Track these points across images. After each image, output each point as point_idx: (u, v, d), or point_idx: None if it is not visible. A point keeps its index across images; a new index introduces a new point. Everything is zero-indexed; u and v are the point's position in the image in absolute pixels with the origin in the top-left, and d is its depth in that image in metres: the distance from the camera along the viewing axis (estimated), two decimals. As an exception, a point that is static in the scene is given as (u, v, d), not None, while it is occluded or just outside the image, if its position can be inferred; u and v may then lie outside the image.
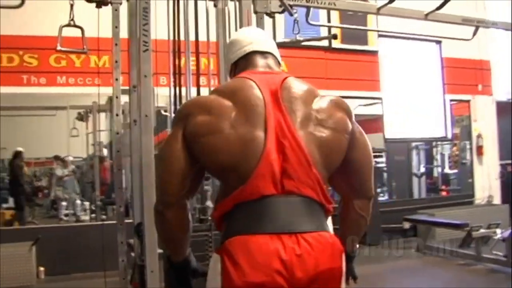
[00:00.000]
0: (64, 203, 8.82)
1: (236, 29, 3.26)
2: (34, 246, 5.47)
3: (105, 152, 8.26)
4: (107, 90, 3.50)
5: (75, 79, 5.85)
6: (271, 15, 3.45)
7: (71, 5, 3.04)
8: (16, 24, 5.29)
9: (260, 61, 1.78)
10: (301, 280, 1.48)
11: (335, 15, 6.88)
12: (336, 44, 7.10)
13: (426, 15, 4.20)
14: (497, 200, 8.32)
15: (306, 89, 1.69)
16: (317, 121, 1.62)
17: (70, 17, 3.04)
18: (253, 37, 1.86)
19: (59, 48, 3.08)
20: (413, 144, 8.92)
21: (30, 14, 4.76)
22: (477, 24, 4.54)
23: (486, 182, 8.26)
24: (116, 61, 3.02)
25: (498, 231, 5.48)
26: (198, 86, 3.28)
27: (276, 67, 1.80)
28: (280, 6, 3.49)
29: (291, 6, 3.47)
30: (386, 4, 3.99)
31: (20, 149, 8.14)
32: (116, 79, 3.02)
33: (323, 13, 6.75)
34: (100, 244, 3.23)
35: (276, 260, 1.47)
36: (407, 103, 7.54)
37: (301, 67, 6.79)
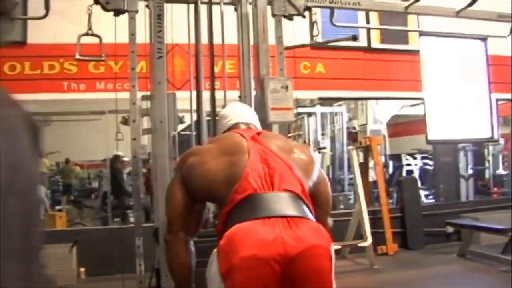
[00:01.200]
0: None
1: (254, 32, 3.27)
2: (75, 247, 5.64)
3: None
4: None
5: (113, 85, 5.99)
6: (290, 17, 3.43)
7: (89, 15, 3.11)
8: (56, 32, 5.49)
9: (243, 126, 2.25)
10: (290, 253, 1.64)
11: (374, 15, 6.77)
12: (375, 44, 6.98)
13: (458, 12, 4.06)
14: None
15: (280, 135, 2.44)
16: (291, 150, 2.05)
17: (88, 26, 3.11)
18: (238, 112, 2.35)
19: (77, 56, 3.16)
20: (460, 145, 8.62)
21: (69, 22, 4.94)
22: (514, 20, 4.34)
23: (536, 185, 7.87)
24: (133, 68, 3.07)
25: (543, 236, 5.21)
26: (213, 89, 3.28)
27: (253, 125, 2.30)
28: (300, 8, 3.47)
29: (309, 8, 3.43)
30: (413, 3, 3.89)
31: (119, 153, 8.40)
32: (133, 86, 3.07)
33: (361, 14, 6.67)
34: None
35: (267, 235, 1.66)
36: (452, 103, 7.28)
37: (339, 69, 6.72)
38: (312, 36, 5.87)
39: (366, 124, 9.87)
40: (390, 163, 10.94)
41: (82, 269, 5.81)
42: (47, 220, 8.30)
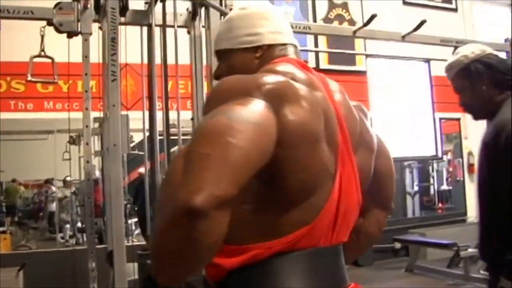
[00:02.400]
0: (67, 226, 8.87)
1: (207, 54, 3.31)
2: (22, 272, 5.46)
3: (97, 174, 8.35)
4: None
5: (62, 104, 5.90)
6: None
7: (42, 36, 3.08)
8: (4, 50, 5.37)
9: (296, 56, 1.34)
10: None
11: (322, 38, 6.96)
12: (323, 65, 7.17)
13: (403, 36, 4.24)
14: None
15: (344, 92, 1.31)
16: (360, 140, 1.27)
17: (41, 47, 3.08)
18: (288, 26, 1.39)
19: (29, 78, 3.12)
20: (406, 162, 8.91)
21: (18, 40, 4.85)
22: (456, 45, 4.55)
23: (478, 200, 8.17)
24: (86, 91, 3.06)
25: (486, 250, 5.42)
26: (166, 109, 3.30)
27: None
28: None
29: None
30: (361, 27, 4.03)
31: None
32: (86, 108, 3.05)
33: (310, 38, 6.86)
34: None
35: None
36: (397, 122, 7.54)
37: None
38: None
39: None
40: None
41: (29, 295, 5.63)
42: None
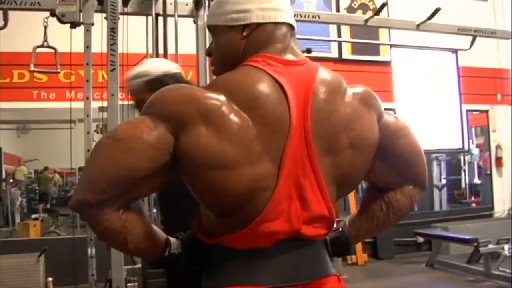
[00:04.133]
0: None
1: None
2: (43, 257, 5.61)
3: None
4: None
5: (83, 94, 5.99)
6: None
7: (45, 27, 3.13)
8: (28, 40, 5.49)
9: (287, 41, 1.24)
10: None
11: (345, 29, 6.86)
12: (346, 55, 7.06)
13: (418, 25, 4.14)
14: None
15: (336, 88, 1.23)
16: (345, 140, 1.21)
17: (44, 38, 3.13)
18: (283, 1, 1.27)
19: (32, 68, 3.18)
20: (433, 155, 8.70)
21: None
22: (474, 34, 4.43)
23: (506, 195, 7.96)
24: (88, 80, 3.09)
25: (506, 247, 5.27)
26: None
27: (298, 50, 1.27)
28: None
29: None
30: (372, 16, 3.95)
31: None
32: (87, 98, 3.09)
33: (333, 28, 6.78)
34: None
35: None
36: (423, 114, 7.37)
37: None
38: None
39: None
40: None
41: (50, 279, 5.77)
42: (21, 229, 8.28)
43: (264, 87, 1.15)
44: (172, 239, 1.30)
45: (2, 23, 3.45)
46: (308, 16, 3.80)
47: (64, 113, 7.35)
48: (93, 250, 3.05)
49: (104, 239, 1.21)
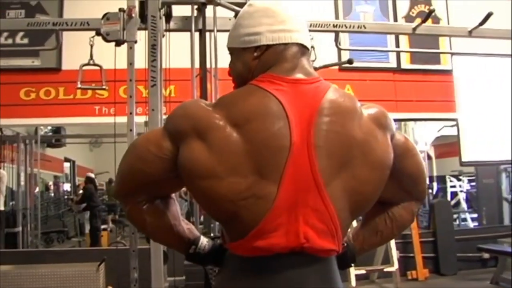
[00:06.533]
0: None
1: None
2: (103, 266, 5.81)
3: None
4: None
5: (142, 109, 6.19)
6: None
7: (91, 46, 3.27)
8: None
9: (296, 60, 1.31)
10: None
11: (404, 38, 6.70)
12: (405, 65, 6.88)
13: (470, 31, 3.97)
14: None
15: (347, 108, 1.25)
16: (355, 160, 1.23)
17: (90, 56, 3.27)
18: (296, 22, 1.34)
19: (79, 86, 3.32)
20: (502, 166, 8.30)
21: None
22: (534, 39, 4.20)
23: None
24: (131, 96, 3.19)
25: None
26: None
27: (311, 68, 1.33)
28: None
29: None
30: (420, 24, 3.84)
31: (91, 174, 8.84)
32: (131, 113, 3.19)
33: (391, 38, 6.64)
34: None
35: None
36: (489, 124, 7.05)
37: (369, 90, 6.66)
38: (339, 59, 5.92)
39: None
40: (435, 185, 10.65)
41: (110, 288, 5.97)
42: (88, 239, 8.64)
43: (261, 104, 1.21)
44: (203, 239, 1.44)
45: (55, 43, 3.67)
46: (353, 26, 3.75)
47: (121, 128, 7.67)
48: (136, 261, 3.12)
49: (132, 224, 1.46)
